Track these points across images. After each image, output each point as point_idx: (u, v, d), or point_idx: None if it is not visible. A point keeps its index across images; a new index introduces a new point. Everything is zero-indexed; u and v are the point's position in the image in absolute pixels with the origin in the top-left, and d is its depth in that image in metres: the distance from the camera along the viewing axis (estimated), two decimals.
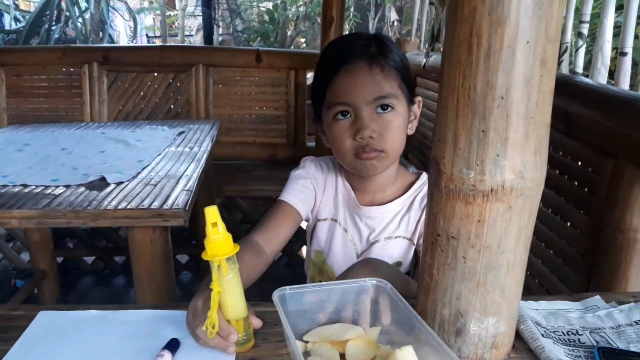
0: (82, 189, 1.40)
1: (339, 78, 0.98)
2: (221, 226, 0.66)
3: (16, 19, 5.49)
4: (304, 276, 1.27)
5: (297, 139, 2.88)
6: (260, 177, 2.66)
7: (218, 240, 0.66)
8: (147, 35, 9.08)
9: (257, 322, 0.70)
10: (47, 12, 5.24)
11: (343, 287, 0.70)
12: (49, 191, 1.37)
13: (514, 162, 0.59)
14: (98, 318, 0.76)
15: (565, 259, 1.16)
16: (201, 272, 2.61)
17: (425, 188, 1.09)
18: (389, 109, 0.98)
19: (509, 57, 0.56)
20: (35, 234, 2.26)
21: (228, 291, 0.67)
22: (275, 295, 0.66)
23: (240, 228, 2.78)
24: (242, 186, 2.60)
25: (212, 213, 0.65)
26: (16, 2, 6.52)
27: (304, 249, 2.81)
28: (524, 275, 0.66)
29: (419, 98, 1.06)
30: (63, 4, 5.55)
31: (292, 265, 2.79)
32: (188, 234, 2.67)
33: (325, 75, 1.00)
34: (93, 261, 2.81)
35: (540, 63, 0.57)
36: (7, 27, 5.49)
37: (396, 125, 0.98)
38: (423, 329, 0.60)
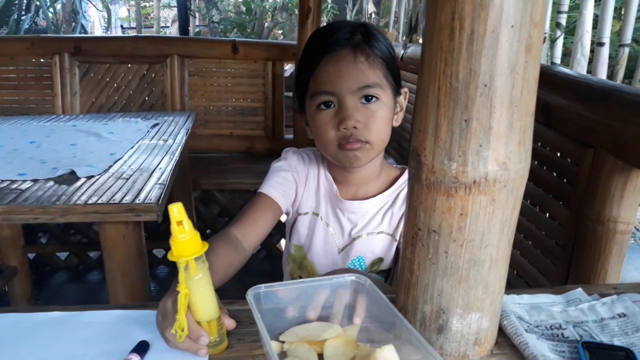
0: (51, 183, 1.34)
1: (323, 66, 0.95)
2: (187, 224, 0.61)
3: None
4: (282, 270, 1.24)
5: (274, 131, 2.84)
6: (238, 170, 2.62)
7: (184, 239, 0.61)
8: (121, 26, 8.90)
9: (229, 323, 0.67)
10: (16, 1, 5.08)
11: (320, 284, 0.68)
12: (15, 186, 1.32)
13: (498, 153, 0.57)
14: (60, 320, 0.71)
15: (544, 250, 1.16)
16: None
17: None
18: (374, 99, 0.95)
19: (493, 42, 0.54)
20: (5, 229, 2.19)
21: (197, 292, 0.63)
22: (250, 294, 0.63)
23: (218, 222, 2.73)
24: (219, 179, 2.55)
25: (177, 210, 0.60)
26: None
27: (282, 242, 2.78)
28: (507, 269, 0.64)
29: (405, 89, 1.03)
30: None
31: (271, 259, 2.76)
32: (165, 228, 2.62)
33: (309, 64, 0.97)
34: (67, 257, 2.74)
35: (525, 49, 0.55)
36: None
37: (381, 115, 0.95)
38: (404, 327, 0.57)
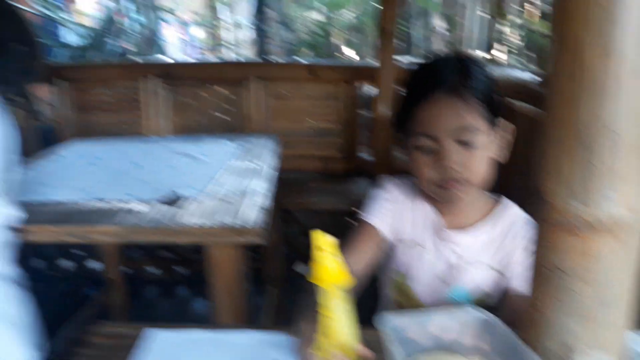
0: (156, 203, 1.42)
1: (422, 108, 0.98)
2: (337, 254, 0.67)
3: (79, 35, 5.76)
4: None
5: (350, 151, 2.90)
6: (316, 190, 2.69)
7: (334, 267, 0.67)
8: (197, 47, 9.27)
9: (367, 353, 0.71)
10: (106, 27, 5.47)
11: (448, 316, 0.71)
12: (126, 206, 1.41)
13: (624, 196, 0.59)
14: (208, 339, 0.80)
15: None
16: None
17: (512, 215, 1.08)
18: (472, 140, 0.97)
19: (617, 89, 0.57)
20: (108, 245, 2.33)
21: (340, 319, 0.68)
22: (380, 321, 0.68)
23: (298, 241, 2.80)
24: (298, 199, 2.62)
25: (328, 240, 0.66)
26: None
27: None
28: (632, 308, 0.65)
29: (512, 127, 1.04)
30: (117, 17, 5.79)
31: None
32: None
33: (410, 103, 1.01)
34: (157, 272, 2.88)
35: None
36: (68, 41, 5.75)
37: (480, 156, 0.98)
38: None
